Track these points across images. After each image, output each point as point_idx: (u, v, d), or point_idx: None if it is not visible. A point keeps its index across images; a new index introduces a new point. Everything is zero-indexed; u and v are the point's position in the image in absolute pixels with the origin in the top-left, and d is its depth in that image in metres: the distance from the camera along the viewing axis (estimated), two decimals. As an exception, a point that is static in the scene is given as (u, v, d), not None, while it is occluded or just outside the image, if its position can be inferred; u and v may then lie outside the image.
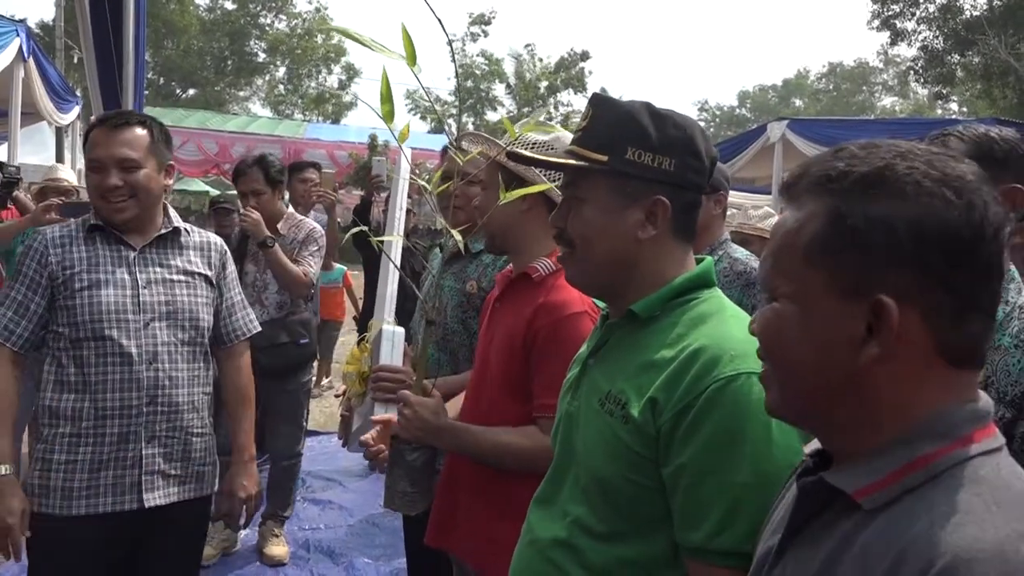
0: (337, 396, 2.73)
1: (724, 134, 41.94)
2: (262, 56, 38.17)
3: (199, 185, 18.53)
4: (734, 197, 5.78)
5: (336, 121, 34.16)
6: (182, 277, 2.23)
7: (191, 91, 37.02)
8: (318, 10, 37.77)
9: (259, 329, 2.48)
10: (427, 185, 1.80)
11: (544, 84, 35.91)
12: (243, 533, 3.98)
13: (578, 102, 34.34)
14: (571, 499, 1.30)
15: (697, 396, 1.13)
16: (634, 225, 1.28)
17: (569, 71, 35.50)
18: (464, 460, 1.78)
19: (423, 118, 33.52)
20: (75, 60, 18.60)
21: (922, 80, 23.70)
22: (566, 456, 1.34)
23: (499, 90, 37.32)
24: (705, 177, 1.32)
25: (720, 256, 2.83)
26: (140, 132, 2.17)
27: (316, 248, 3.86)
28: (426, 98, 30.31)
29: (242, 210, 3.82)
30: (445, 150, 2.70)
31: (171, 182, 2.32)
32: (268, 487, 3.77)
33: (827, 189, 0.84)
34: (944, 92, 24.54)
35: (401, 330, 2.11)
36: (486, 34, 36.74)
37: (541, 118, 1.92)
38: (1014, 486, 0.76)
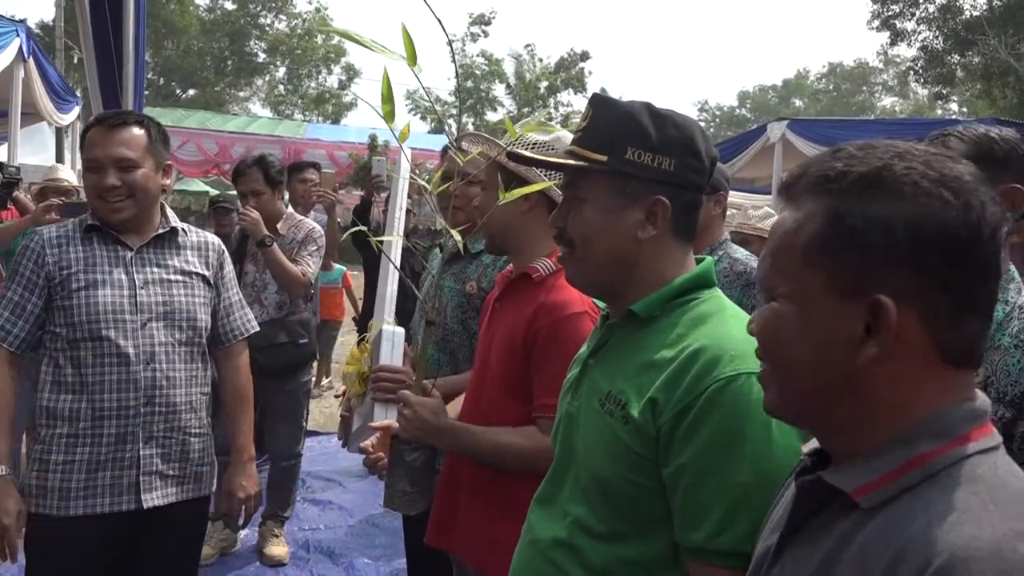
0: (337, 396, 2.73)
1: (724, 134, 41.95)
2: (262, 56, 38.18)
3: (199, 185, 18.53)
4: (734, 197, 5.77)
5: (336, 121, 34.15)
6: (179, 277, 2.23)
7: (191, 91, 37.01)
8: (318, 10, 37.80)
9: (257, 329, 2.48)
10: (427, 185, 1.79)
11: (544, 84, 35.91)
12: (243, 533, 3.98)
13: (578, 102, 34.41)
14: (571, 499, 1.30)
15: (697, 396, 1.13)
16: (634, 225, 1.28)
17: (569, 71, 35.50)
18: (464, 460, 1.77)
19: (423, 118, 33.52)
20: (75, 60, 18.60)
21: (922, 80, 23.69)
22: (566, 456, 1.34)
23: (499, 90, 37.38)
24: (705, 177, 1.32)
25: (720, 256, 2.83)
26: (137, 132, 2.16)
27: (315, 248, 3.86)
28: (426, 98, 30.32)
29: (241, 209, 3.82)
30: (445, 150, 2.69)
31: (169, 182, 2.31)
32: (268, 487, 3.77)
33: (825, 189, 0.84)
34: (944, 92, 24.54)
35: (401, 330, 2.11)
36: (486, 34, 36.80)
37: (541, 118, 1.91)
38: (1011, 485, 0.77)
